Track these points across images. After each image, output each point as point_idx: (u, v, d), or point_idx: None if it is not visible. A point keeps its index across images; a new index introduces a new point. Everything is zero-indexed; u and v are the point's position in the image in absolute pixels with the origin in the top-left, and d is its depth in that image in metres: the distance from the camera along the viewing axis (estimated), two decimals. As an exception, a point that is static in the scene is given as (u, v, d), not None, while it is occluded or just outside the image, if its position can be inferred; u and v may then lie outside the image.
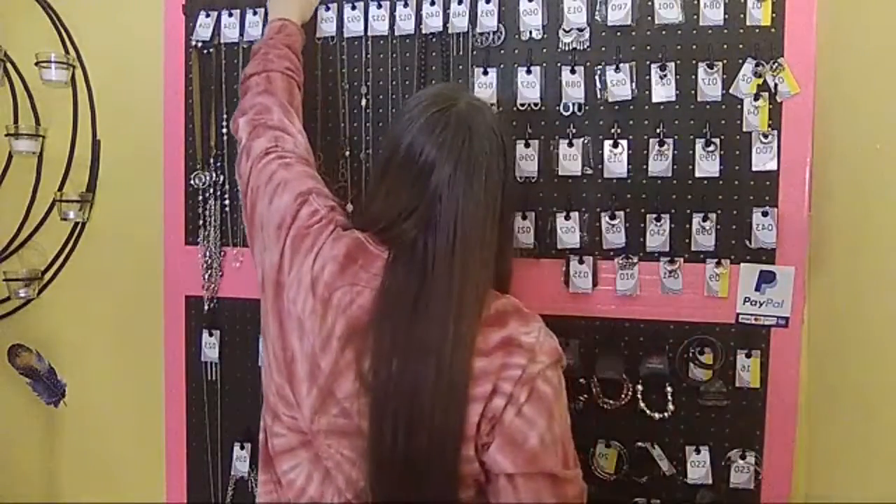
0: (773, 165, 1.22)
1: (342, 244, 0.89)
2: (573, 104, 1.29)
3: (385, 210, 0.89)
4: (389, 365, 0.80)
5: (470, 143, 0.87)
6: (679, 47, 1.25)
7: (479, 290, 0.84)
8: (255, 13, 1.44)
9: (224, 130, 1.47)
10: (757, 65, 1.21)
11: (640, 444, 1.29)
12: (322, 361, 0.85)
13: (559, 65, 1.30)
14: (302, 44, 1.25)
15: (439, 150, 0.86)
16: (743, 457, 1.25)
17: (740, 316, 1.24)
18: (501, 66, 1.33)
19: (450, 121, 0.87)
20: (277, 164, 0.99)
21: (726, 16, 1.23)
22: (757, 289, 1.23)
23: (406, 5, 1.35)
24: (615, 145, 1.27)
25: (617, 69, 1.26)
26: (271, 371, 0.91)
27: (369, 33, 1.38)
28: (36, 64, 1.58)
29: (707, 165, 1.24)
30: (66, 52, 1.60)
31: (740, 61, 1.22)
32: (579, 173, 1.29)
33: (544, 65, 1.30)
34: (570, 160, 1.29)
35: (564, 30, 1.29)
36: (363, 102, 1.40)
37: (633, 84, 1.26)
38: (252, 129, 1.07)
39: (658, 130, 1.25)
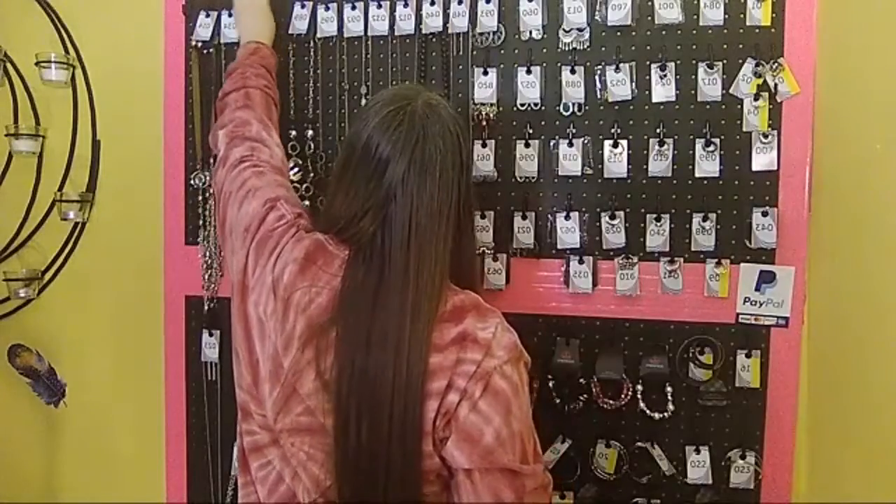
0: (773, 165, 1.22)
1: (302, 246, 0.90)
2: (573, 104, 1.29)
3: (344, 209, 0.90)
4: (350, 362, 0.82)
5: (423, 141, 0.87)
6: (679, 47, 1.25)
7: (435, 286, 0.84)
8: (255, 13, 1.44)
9: (224, 130, 1.47)
10: (757, 65, 1.21)
11: (640, 444, 1.29)
12: (285, 361, 0.86)
13: (559, 65, 1.30)
14: (275, 65, 1.31)
15: (393, 147, 0.87)
16: (743, 457, 1.25)
17: (740, 316, 1.24)
18: (501, 66, 1.33)
19: (404, 119, 0.88)
20: (251, 172, 1.02)
21: (726, 16, 1.23)
22: (757, 289, 1.23)
23: (406, 5, 1.35)
24: (615, 145, 1.27)
25: (617, 69, 1.26)
26: (241, 371, 0.93)
27: (369, 33, 1.38)
28: (36, 64, 1.57)
29: (707, 165, 1.24)
30: (66, 52, 1.60)
31: (740, 61, 1.22)
32: (579, 173, 1.29)
33: (544, 65, 1.30)
34: (570, 160, 1.29)
35: (564, 30, 1.29)
36: (363, 102, 1.40)
37: (633, 84, 1.26)
38: (230, 140, 1.09)
39: (658, 130, 1.25)
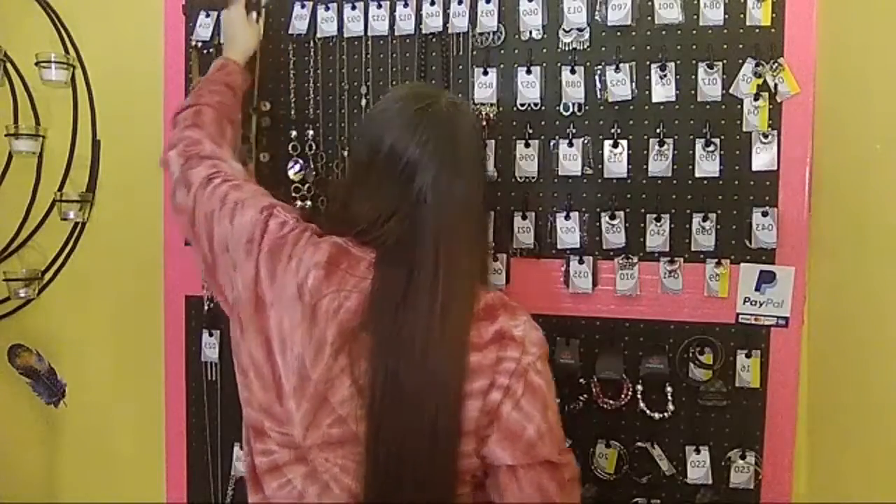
0: (773, 165, 1.22)
1: (323, 250, 0.87)
2: (573, 104, 1.29)
3: (365, 212, 0.87)
4: (383, 365, 0.80)
5: (453, 142, 0.87)
6: (679, 47, 1.25)
7: (467, 286, 0.84)
8: (255, 13, 1.44)
9: (224, 130, 1.47)
10: (757, 65, 1.21)
11: (640, 444, 1.29)
12: (313, 372, 0.83)
13: (559, 65, 1.30)
14: (243, 83, 1.26)
15: (423, 149, 0.84)
16: (743, 457, 1.25)
17: (740, 316, 1.24)
18: (501, 66, 1.33)
19: (432, 120, 0.86)
20: (227, 187, 0.96)
21: (726, 16, 1.23)
22: (757, 289, 1.23)
23: (406, 5, 1.35)
24: (615, 145, 1.27)
25: (617, 69, 1.26)
26: (252, 388, 0.88)
27: (369, 33, 1.38)
28: (36, 64, 1.57)
29: (707, 165, 1.24)
30: (66, 52, 1.60)
31: (740, 61, 1.22)
32: (579, 173, 1.29)
33: (544, 65, 1.30)
34: (570, 160, 1.29)
35: (564, 30, 1.29)
36: (363, 102, 1.40)
37: (633, 84, 1.26)
38: (185, 161, 1.03)
39: (658, 130, 1.25)
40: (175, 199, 1.02)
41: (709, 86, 1.24)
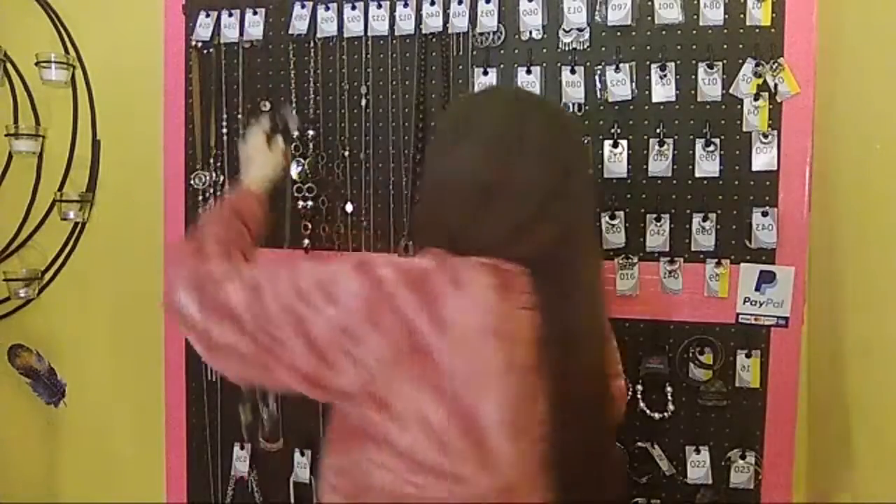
0: (773, 165, 1.22)
1: (478, 276, 0.78)
2: (573, 104, 1.29)
3: (500, 229, 0.81)
4: (562, 373, 0.80)
5: (575, 150, 0.88)
6: (679, 47, 1.25)
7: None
8: (255, 13, 1.44)
9: (224, 130, 1.47)
10: (757, 65, 1.21)
11: (640, 444, 1.29)
12: (505, 399, 0.77)
13: (559, 65, 1.30)
14: (257, 210, 1.09)
15: (551, 161, 0.82)
16: (743, 457, 1.25)
17: (740, 316, 1.24)
18: (501, 66, 1.33)
19: (559, 131, 0.85)
20: (284, 279, 0.79)
21: (726, 16, 1.23)
22: (757, 289, 1.23)
23: (406, 5, 1.35)
24: (615, 145, 1.27)
25: (617, 69, 1.26)
26: (418, 454, 0.76)
27: (369, 33, 1.38)
28: (36, 64, 1.58)
29: (707, 165, 1.24)
30: (66, 52, 1.60)
31: (740, 61, 1.22)
32: (579, 173, 1.29)
33: (544, 65, 1.30)
34: (570, 160, 1.29)
35: (564, 30, 1.29)
36: (363, 102, 1.40)
37: (633, 84, 1.26)
38: (206, 296, 0.82)
39: (658, 130, 1.25)
40: (212, 345, 0.82)
41: (709, 86, 1.24)
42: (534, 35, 1.31)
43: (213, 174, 1.48)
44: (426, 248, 0.84)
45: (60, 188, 1.62)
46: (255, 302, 0.78)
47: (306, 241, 1.43)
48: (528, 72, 1.30)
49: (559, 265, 0.82)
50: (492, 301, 0.77)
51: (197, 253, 0.92)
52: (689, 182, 1.25)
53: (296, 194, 1.42)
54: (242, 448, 1.49)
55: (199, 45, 1.48)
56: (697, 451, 1.27)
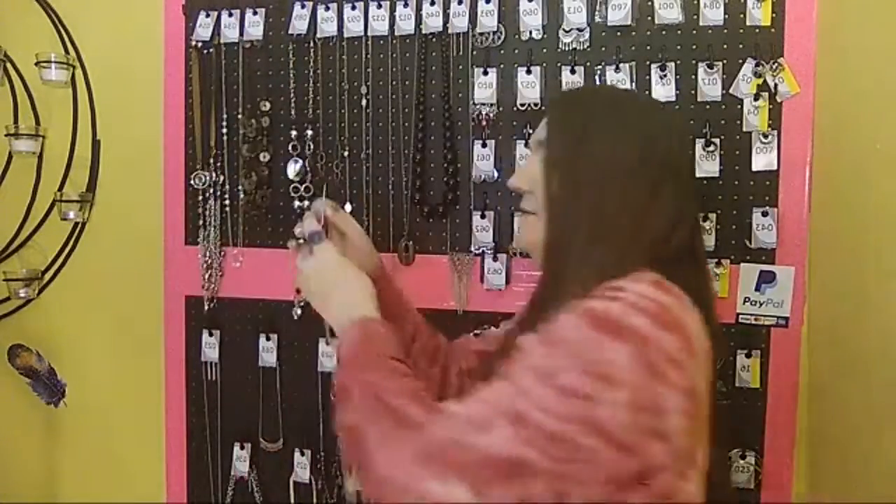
0: (773, 165, 1.22)
1: (680, 290, 0.73)
2: (573, 104, 1.29)
3: (666, 224, 0.78)
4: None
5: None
6: (679, 47, 1.25)
7: None
8: (255, 13, 1.44)
9: (224, 130, 1.47)
10: (757, 65, 1.21)
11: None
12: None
13: (559, 65, 1.30)
14: (396, 336, 0.85)
15: (682, 152, 0.88)
16: (743, 457, 1.25)
17: (740, 316, 1.24)
18: (501, 66, 1.33)
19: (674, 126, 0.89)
20: (528, 375, 0.66)
21: (726, 16, 1.23)
22: (757, 289, 1.23)
23: (406, 5, 1.35)
24: (615, 145, 1.27)
25: (617, 69, 1.26)
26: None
27: (369, 33, 1.38)
28: (36, 64, 1.57)
29: (707, 165, 1.24)
30: (66, 52, 1.60)
31: (740, 61, 1.22)
32: (579, 173, 1.29)
33: (544, 65, 1.30)
34: (570, 160, 1.29)
35: (564, 30, 1.29)
36: (363, 102, 1.40)
37: (633, 84, 1.26)
38: (460, 439, 0.64)
39: (658, 130, 1.25)
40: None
41: (709, 86, 1.24)
42: (534, 35, 1.31)
43: (213, 174, 1.48)
44: (601, 267, 0.75)
45: (60, 188, 1.62)
46: (527, 432, 0.61)
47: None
48: (528, 72, 1.30)
49: (697, 263, 0.83)
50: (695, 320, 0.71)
51: (400, 425, 0.67)
52: (689, 182, 1.25)
53: (293, 194, 1.43)
54: (242, 448, 1.49)
55: (199, 45, 1.48)
56: (697, 451, 1.27)
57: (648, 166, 0.79)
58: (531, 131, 1.29)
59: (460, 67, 1.35)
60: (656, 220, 0.78)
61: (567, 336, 0.66)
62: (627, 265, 0.74)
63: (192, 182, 1.49)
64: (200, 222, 1.49)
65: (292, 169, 1.42)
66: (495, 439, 0.62)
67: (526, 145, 1.30)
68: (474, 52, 1.34)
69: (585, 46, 1.29)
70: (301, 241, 0.96)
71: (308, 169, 1.42)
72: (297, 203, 1.42)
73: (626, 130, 0.80)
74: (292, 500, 1.46)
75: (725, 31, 1.23)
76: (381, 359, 0.78)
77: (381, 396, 0.71)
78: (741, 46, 1.23)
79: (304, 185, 1.42)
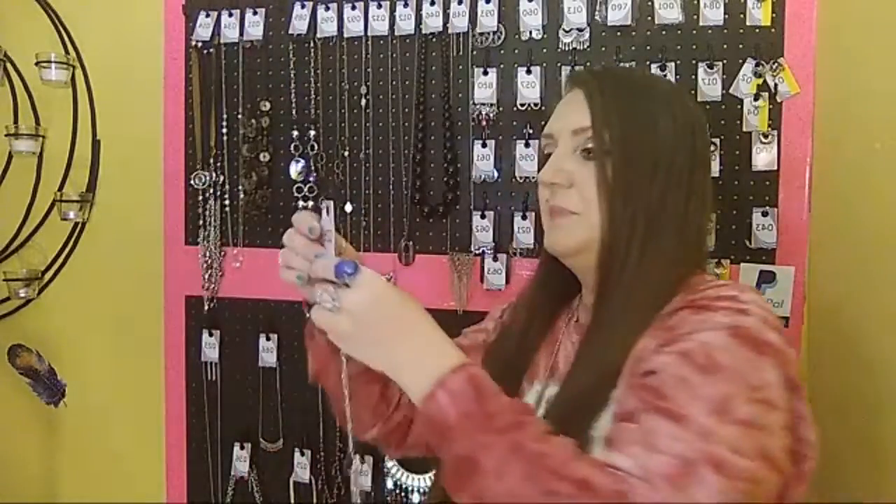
0: (773, 165, 1.22)
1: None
2: (573, 104, 1.29)
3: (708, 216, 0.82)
4: None
5: None
6: (679, 47, 1.25)
7: None
8: (255, 13, 1.44)
9: (224, 130, 1.47)
10: (757, 65, 1.21)
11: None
12: None
13: (559, 65, 1.30)
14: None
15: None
16: (743, 457, 1.25)
17: (740, 316, 1.24)
18: (501, 66, 1.33)
19: None
20: (704, 411, 0.58)
21: (726, 16, 1.23)
22: (757, 288, 1.23)
23: (406, 5, 1.35)
24: (615, 145, 1.27)
25: (617, 69, 1.26)
26: None
27: (369, 33, 1.38)
28: (36, 64, 1.57)
29: (707, 165, 1.24)
30: (66, 52, 1.60)
31: (740, 61, 1.22)
32: (579, 173, 1.29)
33: (544, 65, 1.30)
34: (570, 160, 1.29)
35: (564, 30, 1.29)
36: (363, 102, 1.40)
37: (633, 84, 1.26)
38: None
39: (658, 130, 1.25)
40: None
41: (709, 86, 1.23)
42: (534, 35, 1.31)
43: (213, 174, 1.48)
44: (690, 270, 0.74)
45: (60, 188, 1.62)
46: (733, 479, 0.55)
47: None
48: (528, 72, 1.30)
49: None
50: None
51: (584, 494, 0.55)
52: (689, 182, 1.25)
53: (295, 194, 1.43)
54: (242, 448, 1.49)
55: (199, 45, 1.48)
56: (697, 451, 1.27)
57: (699, 156, 0.77)
58: (531, 131, 1.30)
59: (460, 67, 1.35)
60: (707, 212, 0.78)
61: (722, 360, 0.60)
62: (693, 263, 0.75)
63: (192, 182, 1.49)
64: (200, 222, 1.49)
65: (294, 169, 1.42)
66: (706, 491, 0.54)
67: (526, 145, 1.30)
68: (474, 52, 1.34)
69: (585, 46, 1.29)
70: (319, 282, 0.67)
71: (308, 169, 1.42)
72: (300, 203, 1.42)
73: (676, 118, 0.76)
74: (292, 500, 1.46)
75: (725, 31, 1.23)
76: (512, 411, 0.61)
77: (540, 461, 0.57)
78: (741, 46, 1.22)
79: (307, 186, 1.42)
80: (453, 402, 0.61)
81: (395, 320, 0.66)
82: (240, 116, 1.46)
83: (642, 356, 0.66)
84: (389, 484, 1.38)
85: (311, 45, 1.42)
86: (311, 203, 1.42)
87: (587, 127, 0.75)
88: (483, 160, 1.33)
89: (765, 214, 1.22)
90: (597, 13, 1.28)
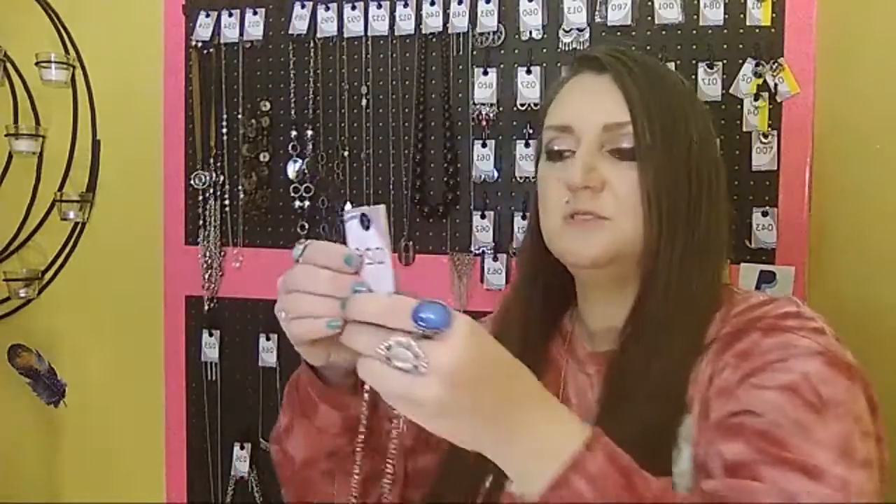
0: (773, 165, 1.22)
1: None
2: (573, 104, 1.29)
3: None
4: None
5: None
6: (679, 47, 1.25)
7: None
8: (255, 13, 1.44)
9: (224, 130, 1.47)
10: (757, 65, 1.21)
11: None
12: None
13: (559, 65, 1.30)
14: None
15: None
16: (743, 457, 1.25)
17: (740, 316, 1.24)
18: (501, 66, 1.32)
19: None
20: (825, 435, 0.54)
21: (726, 16, 1.22)
22: (757, 289, 1.22)
23: (406, 5, 1.35)
24: (615, 145, 1.27)
25: (617, 69, 1.26)
26: None
27: (369, 33, 1.38)
28: (36, 64, 1.57)
29: (707, 165, 1.24)
30: (66, 52, 1.60)
31: (740, 61, 1.22)
32: (579, 173, 1.29)
33: (544, 65, 1.30)
34: (570, 160, 1.29)
35: (564, 30, 1.29)
36: (363, 102, 1.40)
37: (633, 84, 1.26)
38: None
39: (658, 130, 1.25)
40: None
41: (709, 86, 1.23)
42: (534, 35, 1.31)
43: (213, 174, 1.48)
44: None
45: (60, 188, 1.62)
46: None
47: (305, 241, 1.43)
48: (528, 72, 1.30)
49: None
50: None
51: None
52: (689, 182, 1.25)
53: (293, 195, 1.43)
54: (242, 448, 1.49)
55: (199, 45, 1.48)
56: (697, 451, 1.27)
57: (719, 158, 0.73)
58: (531, 131, 1.30)
59: (460, 67, 1.35)
60: (730, 220, 0.73)
61: (828, 394, 0.56)
62: (725, 276, 0.71)
63: (192, 182, 1.49)
64: (200, 222, 1.49)
65: (292, 169, 1.42)
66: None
67: (526, 145, 1.30)
68: (474, 52, 1.34)
69: (585, 46, 1.28)
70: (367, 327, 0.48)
71: (308, 169, 1.42)
72: (297, 203, 1.42)
73: (700, 115, 0.72)
74: (292, 500, 1.46)
75: (725, 31, 1.23)
76: (660, 490, 0.51)
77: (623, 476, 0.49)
78: (741, 46, 1.22)
79: (304, 186, 1.42)
80: (594, 488, 0.47)
81: (504, 381, 0.49)
82: (240, 116, 1.46)
83: (723, 387, 0.60)
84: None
85: (311, 45, 1.42)
86: (307, 203, 1.41)
87: (625, 122, 0.67)
88: (483, 160, 1.33)
89: (765, 214, 1.22)
90: (597, 13, 1.28)
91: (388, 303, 0.48)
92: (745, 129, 1.23)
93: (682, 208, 0.67)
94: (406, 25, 1.36)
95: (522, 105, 1.31)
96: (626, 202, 0.67)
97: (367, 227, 0.49)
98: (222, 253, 1.49)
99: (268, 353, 1.46)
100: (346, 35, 1.39)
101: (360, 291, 0.50)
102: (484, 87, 1.32)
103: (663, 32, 1.25)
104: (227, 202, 1.48)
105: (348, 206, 1.35)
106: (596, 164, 0.68)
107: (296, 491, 0.78)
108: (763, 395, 0.56)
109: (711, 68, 1.23)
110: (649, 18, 1.26)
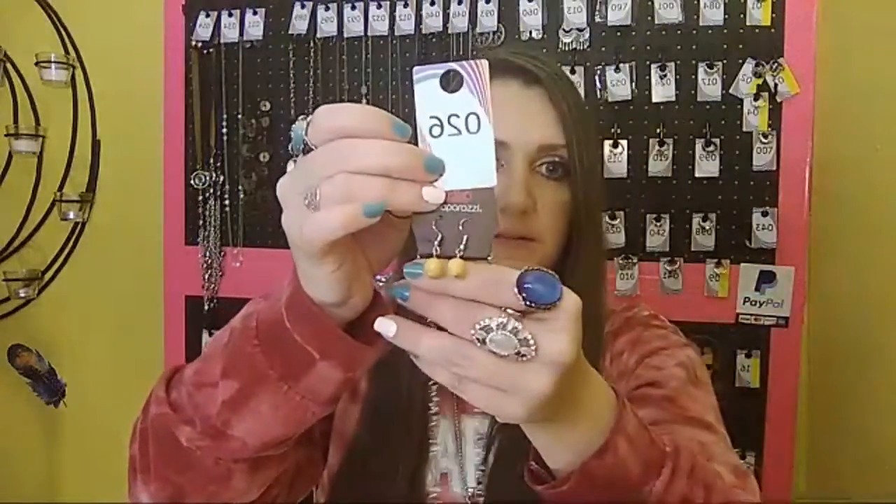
0: (772, 165, 1.22)
1: None
2: (573, 104, 1.29)
3: None
4: None
5: None
6: (679, 47, 1.25)
7: None
8: (255, 13, 1.44)
9: (224, 130, 1.47)
10: (757, 65, 1.21)
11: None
12: None
13: (559, 65, 1.29)
14: None
15: None
16: (743, 457, 1.25)
17: (740, 316, 1.24)
18: (501, 66, 1.32)
19: None
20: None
21: (726, 16, 1.23)
22: (757, 289, 1.23)
23: (406, 5, 1.35)
24: (615, 145, 1.27)
25: (617, 69, 1.26)
26: None
27: (369, 33, 1.38)
28: (36, 64, 1.58)
29: (707, 165, 1.24)
30: (66, 52, 1.60)
31: (740, 61, 1.22)
32: (579, 173, 1.29)
33: (544, 65, 1.30)
34: (570, 160, 1.29)
35: (564, 30, 1.29)
36: (363, 102, 1.39)
37: (633, 84, 1.26)
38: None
39: (658, 130, 1.25)
40: None
41: (709, 86, 1.24)
42: (534, 35, 1.31)
43: (213, 174, 1.48)
44: None
45: (60, 188, 1.62)
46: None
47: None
48: (528, 72, 1.30)
49: None
50: None
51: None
52: (689, 182, 1.25)
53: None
54: None
55: (199, 45, 1.47)
56: (697, 451, 1.27)
57: None
58: (531, 131, 1.30)
59: (460, 67, 1.34)
60: None
61: (701, 375, 0.71)
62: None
63: (192, 182, 1.49)
64: (200, 222, 1.49)
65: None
66: (753, 489, 0.57)
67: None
68: (474, 52, 1.34)
69: (585, 46, 1.29)
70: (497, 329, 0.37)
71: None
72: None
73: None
74: (292, 500, 1.46)
75: (725, 31, 1.23)
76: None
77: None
78: (741, 46, 1.22)
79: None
80: (632, 448, 0.44)
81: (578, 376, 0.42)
82: (240, 116, 1.46)
83: (622, 370, 0.71)
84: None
85: (311, 45, 1.42)
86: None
87: (559, 145, 0.65)
88: (483, 160, 1.32)
89: (765, 214, 1.22)
90: (597, 13, 1.28)
91: (487, 274, 0.37)
92: (745, 129, 1.23)
93: (598, 223, 0.73)
94: (406, 25, 1.36)
95: (522, 105, 1.30)
96: (553, 223, 0.66)
97: (456, 89, 0.34)
98: (222, 253, 1.49)
99: (268, 353, 1.46)
100: (346, 35, 1.39)
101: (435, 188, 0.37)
102: (484, 87, 1.32)
103: (663, 32, 1.25)
104: (227, 202, 1.48)
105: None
106: (531, 185, 0.65)
107: (194, 490, 0.54)
108: (662, 372, 0.68)
109: (711, 68, 1.23)
110: (649, 18, 1.26)
